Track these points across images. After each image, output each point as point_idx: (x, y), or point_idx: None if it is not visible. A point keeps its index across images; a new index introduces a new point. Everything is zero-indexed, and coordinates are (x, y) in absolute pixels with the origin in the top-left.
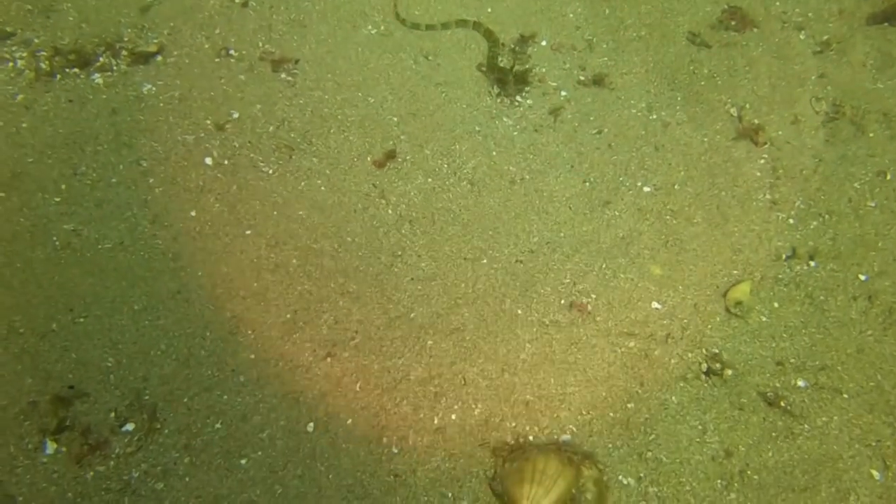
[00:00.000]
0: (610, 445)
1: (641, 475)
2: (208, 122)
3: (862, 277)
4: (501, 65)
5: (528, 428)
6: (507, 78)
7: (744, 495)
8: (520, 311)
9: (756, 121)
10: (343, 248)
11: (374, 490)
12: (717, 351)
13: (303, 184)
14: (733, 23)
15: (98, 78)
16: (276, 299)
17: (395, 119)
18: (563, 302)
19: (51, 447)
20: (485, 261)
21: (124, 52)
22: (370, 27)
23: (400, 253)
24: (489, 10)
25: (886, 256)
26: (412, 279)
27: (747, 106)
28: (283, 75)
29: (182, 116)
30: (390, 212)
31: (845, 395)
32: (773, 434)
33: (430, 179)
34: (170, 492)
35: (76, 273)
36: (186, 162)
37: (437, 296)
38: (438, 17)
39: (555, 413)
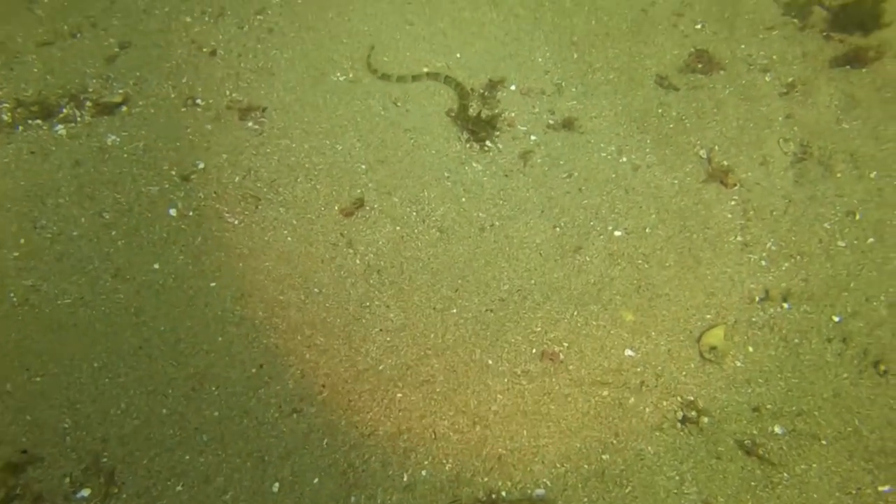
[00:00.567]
0: (585, 499)
1: None
2: (173, 172)
3: (836, 319)
4: (472, 114)
5: (500, 483)
6: (478, 127)
7: None
8: (490, 362)
9: (725, 162)
10: (310, 300)
11: None
12: (692, 398)
13: (269, 234)
14: (700, 65)
15: (61, 129)
16: (241, 353)
17: (364, 166)
18: (534, 351)
19: None
20: (454, 310)
21: (88, 103)
22: (339, 74)
23: (368, 304)
24: (458, 55)
25: (858, 297)
26: (381, 330)
27: (716, 148)
28: (250, 124)
29: (146, 167)
30: (358, 261)
31: (823, 442)
32: (752, 483)
33: (398, 227)
34: None
35: (33, 330)
36: (150, 214)
37: (406, 347)
38: (408, 63)
39: (528, 466)
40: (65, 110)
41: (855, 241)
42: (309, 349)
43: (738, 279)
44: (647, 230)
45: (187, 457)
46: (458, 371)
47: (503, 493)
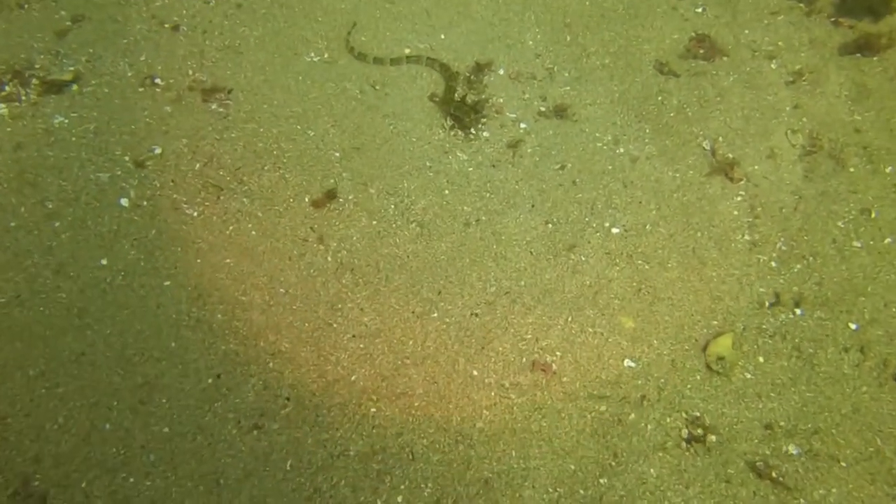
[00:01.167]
0: None
1: None
2: (126, 158)
3: (852, 326)
4: (458, 99)
5: None
6: (464, 113)
7: None
8: (476, 373)
9: (730, 155)
10: (275, 301)
11: None
12: (698, 414)
13: (231, 228)
14: (702, 51)
15: (3, 109)
16: (197, 361)
17: (338, 154)
18: (524, 361)
19: None
20: (436, 314)
21: (35, 81)
22: (312, 54)
23: (340, 306)
24: (442, 36)
25: (876, 302)
26: (353, 336)
27: (720, 139)
28: (213, 106)
29: (96, 152)
30: (329, 259)
31: (843, 463)
32: None
33: (374, 222)
34: None
35: None
36: (99, 203)
37: (381, 355)
38: (388, 44)
39: (517, 492)
40: (7, 88)
41: (871, 242)
42: (273, 357)
43: (746, 282)
44: (647, 227)
45: (131, 479)
46: (439, 383)
47: None
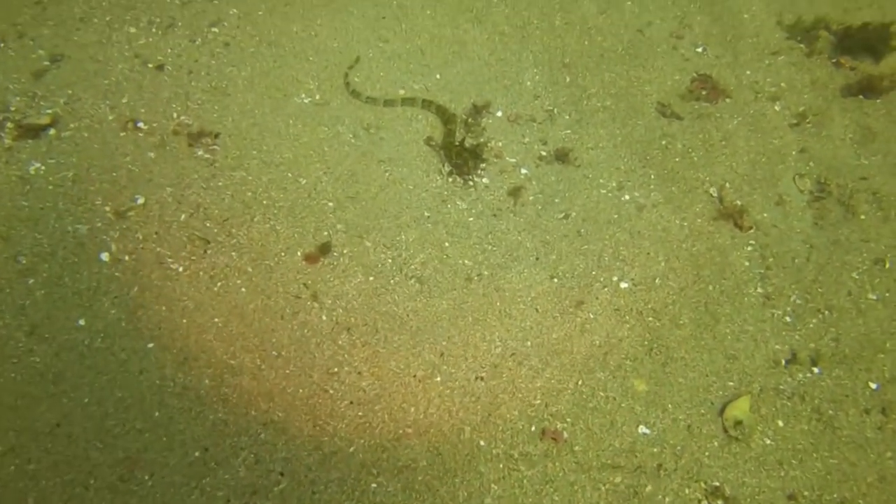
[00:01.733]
0: None
1: None
2: (107, 208)
3: (872, 386)
4: (457, 143)
5: None
6: (463, 158)
7: None
8: (482, 443)
9: (738, 202)
10: (267, 365)
11: None
12: (717, 484)
13: (219, 284)
14: (704, 92)
15: None
16: (183, 433)
17: (331, 204)
18: (533, 429)
19: None
20: (438, 378)
21: (9, 125)
22: (303, 96)
23: (336, 369)
24: (438, 76)
25: None
26: (351, 403)
27: (727, 185)
28: (199, 152)
29: (75, 202)
30: (324, 318)
31: None
32: None
33: (371, 277)
34: None
35: None
36: (77, 258)
37: (381, 424)
38: (382, 84)
39: None
40: None
41: (887, 294)
42: (265, 427)
43: (761, 339)
44: (656, 281)
45: None
46: (443, 454)
47: None
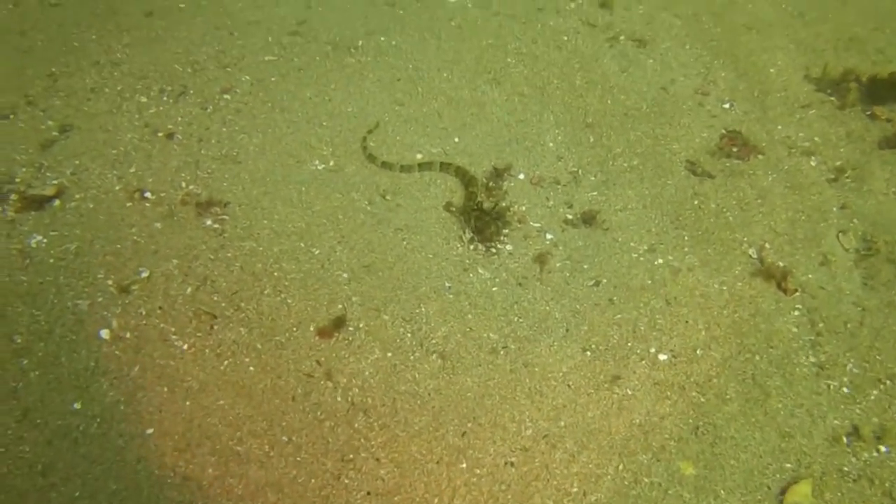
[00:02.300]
0: None
1: None
2: (109, 282)
3: None
4: (478, 208)
5: None
6: (485, 223)
7: None
8: None
9: (780, 263)
10: (276, 452)
11: None
12: None
13: (226, 363)
14: (735, 149)
15: None
16: None
17: (346, 275)
18: None
19: None
20: (464, 464)
21: (13, 196)
22: (317, 162)
23: (352, 456)
24: (456, 139)
25: None
26: (368, 493)
27: (767, 245)
28: (208, 222)
29: (76, 276)
30: (339, 398)
31: None
32: None
33: (389, 354)
34: None
35: None
36: (75, 336)
37: None
38: (398, 148)
39: None
40: None
41: None
42: None
43: (817, 414)
44: (697, 352)
45: None
46: None
47: None
